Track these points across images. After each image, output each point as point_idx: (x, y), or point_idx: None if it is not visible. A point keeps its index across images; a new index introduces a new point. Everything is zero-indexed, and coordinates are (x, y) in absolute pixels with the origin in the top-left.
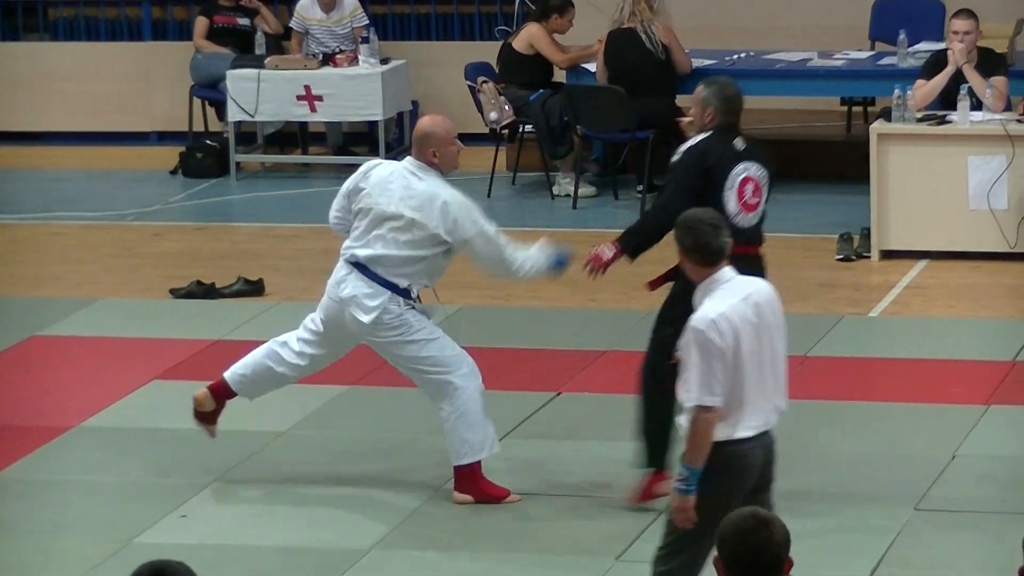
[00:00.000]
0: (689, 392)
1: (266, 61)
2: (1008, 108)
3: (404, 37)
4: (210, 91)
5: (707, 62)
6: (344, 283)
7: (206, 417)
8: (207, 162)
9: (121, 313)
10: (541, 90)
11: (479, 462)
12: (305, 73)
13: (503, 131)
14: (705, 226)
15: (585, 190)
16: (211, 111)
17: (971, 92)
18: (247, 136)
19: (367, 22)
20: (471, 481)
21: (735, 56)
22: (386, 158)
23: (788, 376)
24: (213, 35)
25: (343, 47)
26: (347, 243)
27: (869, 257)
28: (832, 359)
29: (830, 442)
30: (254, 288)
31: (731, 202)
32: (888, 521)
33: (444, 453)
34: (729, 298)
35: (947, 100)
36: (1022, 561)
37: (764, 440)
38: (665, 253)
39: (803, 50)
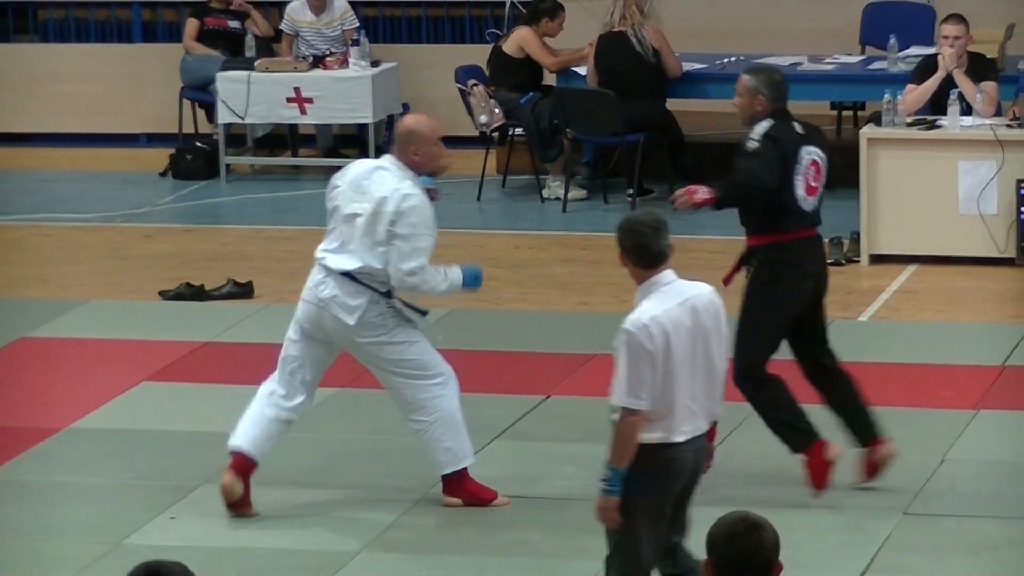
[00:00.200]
0: (617, 393)
1: (256, 63)
2: (998, 113)
3: (394, 40)
4: (200, 93)
5: (697, 66)
6: (323, 285)
7: (239, 504)
8: (197, 164)
9: (111, 315)
10: (531, 93)
11: (464, 468)
12: (295, 75)
13: (493, 134)
14: (645, 228)
15: (575, 193)
16: (201, 113)
17: (961, 97)
18: (237, 138)
19: (357, 24)
20: (458, 484)
21: (725, 60)
22: None
23: (726, 382)
24: (203, 37)
25: (333, 49)
26: (321, 248)
27: (859, 261)
28: None
29: None
30: (243, 290)
31: (800, 186)
32: (877, 525)
33: None
34: (666, 302)
35: (937, 105)
36: (1012, 566)
37: (696, 444)
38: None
39: (793, 54)
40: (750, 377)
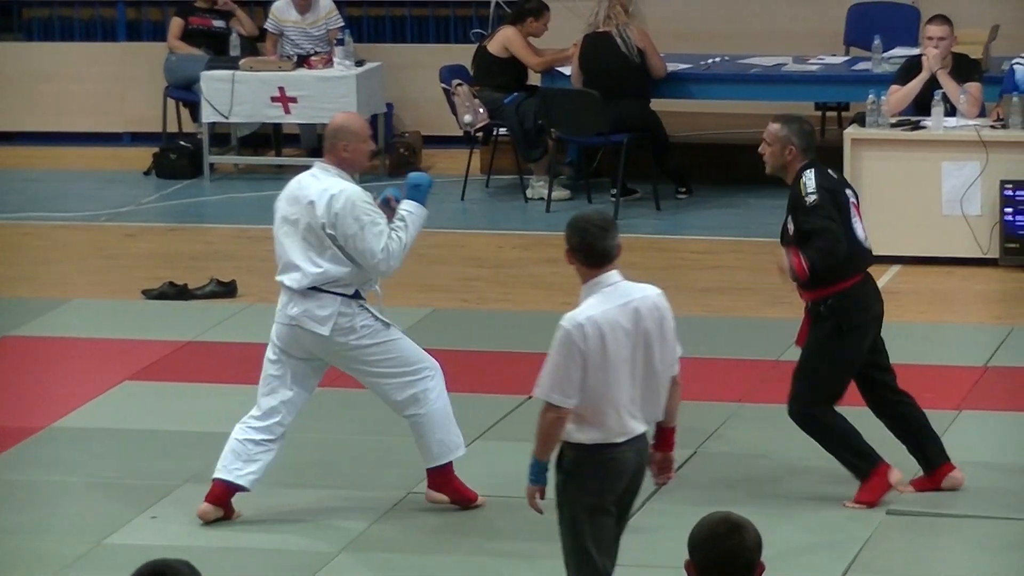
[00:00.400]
0: (541, 387)
1: (240, 62)
2: (982, 114)
3: (379, 39)
4: (184, 92)
5: (682, 66)
6: (290, 303)
7: (222, 517)
8: (181, 163)
9: (93, 314)
10: (516, 93)
11: (451, 462)
12: (279, 75)
13: (477, 134)
14: (593, 227)
15: (559, 193)
16: (185, 112)
17: (945, 98)
18: (221, 137)
19: (342, 24)
20: (445, 480)
21: (710, 60)
22: None
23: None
24: (188, 36)
25: (318, 49)
26: (277, 273)
27: None
28: None
29: (802, 446)
30: (227, 289)
31: (859, 228)
32: (859, 525)
33: (415, 455)
34: (606, 302)
35: (921, 106)
36: (991, 565)
37: (637, 445)
38: (703, 246)
39: (778, 55)
40: (815, 419)
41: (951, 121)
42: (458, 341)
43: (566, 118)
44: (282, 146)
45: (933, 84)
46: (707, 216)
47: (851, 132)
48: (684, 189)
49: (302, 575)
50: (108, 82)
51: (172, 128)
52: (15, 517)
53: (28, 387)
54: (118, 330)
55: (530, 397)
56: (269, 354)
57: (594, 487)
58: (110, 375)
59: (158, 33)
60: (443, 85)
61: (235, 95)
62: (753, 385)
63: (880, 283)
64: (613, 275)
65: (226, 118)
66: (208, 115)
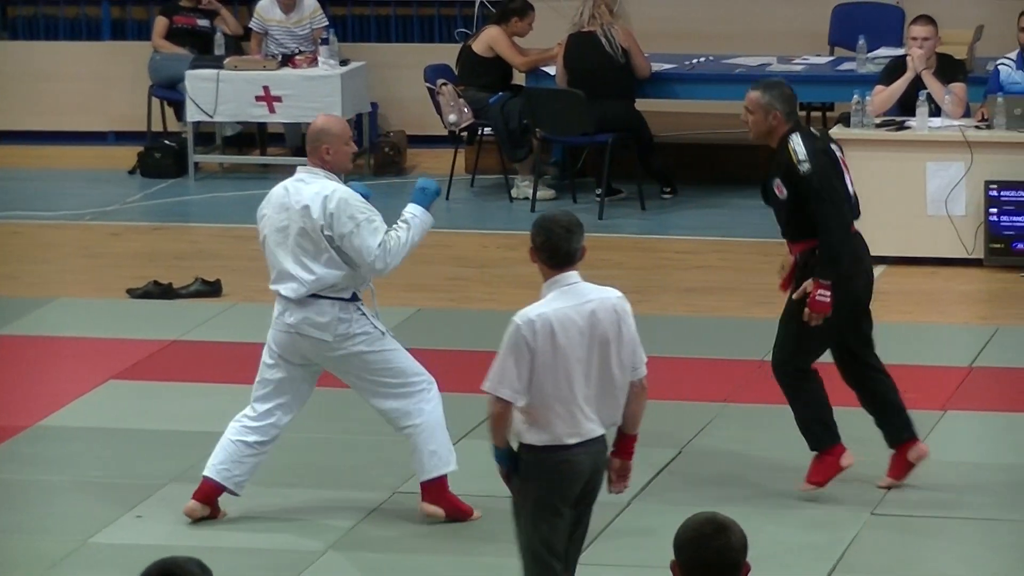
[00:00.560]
0: (489, 380)
1: (225, 62)
2: (967, 114)
3: (364, 39)
4: (169, 91)
5: (667, 66)
6: (287, 312)
7: (208, 516)
8: (165, 162)
9: (78, 313)
10: (500, 93)
11: (446, 475)
12: (264, 74)
13: (462, 133)
14: (558, 228)
15: (544, 193)
16: (170, 111)
17: (930, 98)
18: (206, 136)
19: (327, 23)
20: (440, 494)
21: (695, 60)
22: None
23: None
24: (172, 35)
25: (302, 48)
26: (270, 282)
27: None
28: None
29: (787, 446)
30: (212, 288)
31: (848, 183)
32: (845, 525)
33: (402, 454)
34: (562, 301)
35: (906, 106)
36: (976, 565)
37: (592, 448)
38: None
39: (762, 55)
40: (794, 369)
41: (936, 121)
42: (444, 341)
43: (551, 118)
44: (267, 145)
45: (918, 84)
46: (692, 216)
47: (836, 132)
48: (669, 189)
49: (288, 574)
50: (93, 81)
51: (157, 127)
52: (0, 516)
53: (12, 386)
54: (103, 329)
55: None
56: (266, 358)
57: (546, 490)
58: (95, 374)
59: (143, 32)
60: (428, 84)
61: (220, 94)
62: (738, 385)
63: None
64: (573, 275)
65: (211, 117)
66: (193, 114)
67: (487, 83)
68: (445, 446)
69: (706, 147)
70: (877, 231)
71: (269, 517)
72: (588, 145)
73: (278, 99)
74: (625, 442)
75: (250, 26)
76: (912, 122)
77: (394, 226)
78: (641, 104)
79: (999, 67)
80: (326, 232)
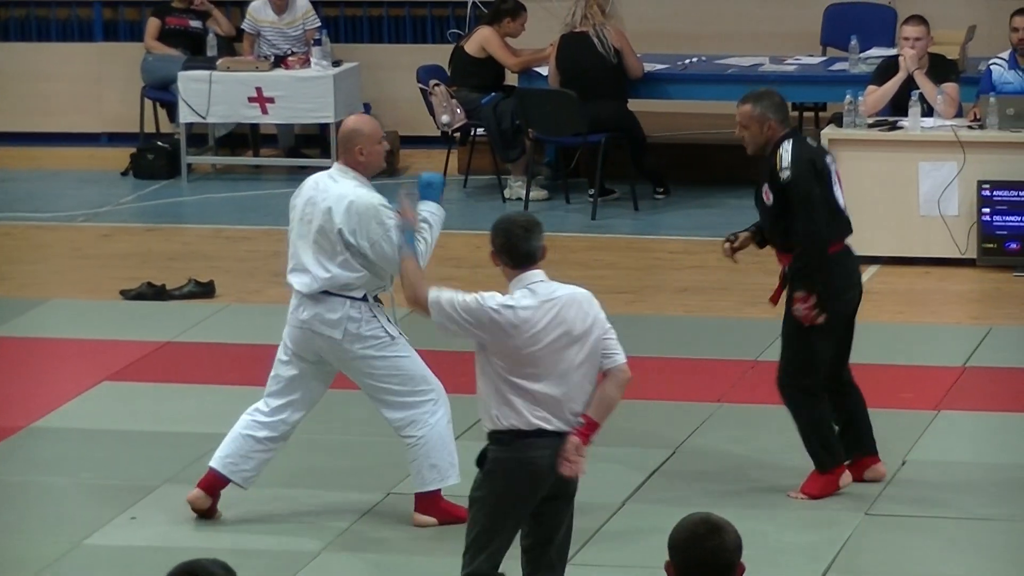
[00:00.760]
0: (441, 296)
1: (218, 63)
2: (959, 114)
3: (356, 40)
4: (161, 92)
5: (659, 66)
6: (301, 307)
7: (205, 514)
8: (158, 163)
9: (71, 314)
10: (493, 93)
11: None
12: (257, 75)
13: (455, 134)
14: (517, 228)
15: (537, 194)
16: (162, 112)
17: (922, 98)
18: (198, 138)
19: (319, 24)
20: (433, 503)
21: (687, 61)
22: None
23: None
24: (165, 37)
25: (295, 49)
26: (288, 271)
27: None
28: None
29: (780, 447)
30: (205, 290)
31: (840, 196)
32: (839, 526)
33: (397, 455)
34: (529, 299)
35: (898, 106)
36: (970, 565)
37: (555, 445)
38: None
39: (755, 55)
40: (801, 389)
41: (928, 121)
42: (435, 341)
43: (543, 118)
44: (259, 146)
45: (910, 84)
46: (685, 216)
47: (828, 133)
48: (662, 189)
49: (284, 575)
50: (85, 82)
51: (149, 128)
52: None
53: (6, 387)
54: (96, 330)
55: None
56: (280, 354)
57: (507, 494)
58: (88, 376)
59: (135, 33)
60: (420, 85)
61: (212, 95)
62: (732, 385)
63: None
64: (537, 274)
65: (203, 118)
66: (185, 115)
67: (479, 84)
68: (447, 460)
69: (699, 147)
70: (870, 231)
71: (264, 518)
72: (581, 145)
73: (271, 100)
74: (585, 424)
75: (242, 27)
76: (905, 122)
77: (416, 229)
78: (634, 104)
79: (991, 67)
80: (345, 237)
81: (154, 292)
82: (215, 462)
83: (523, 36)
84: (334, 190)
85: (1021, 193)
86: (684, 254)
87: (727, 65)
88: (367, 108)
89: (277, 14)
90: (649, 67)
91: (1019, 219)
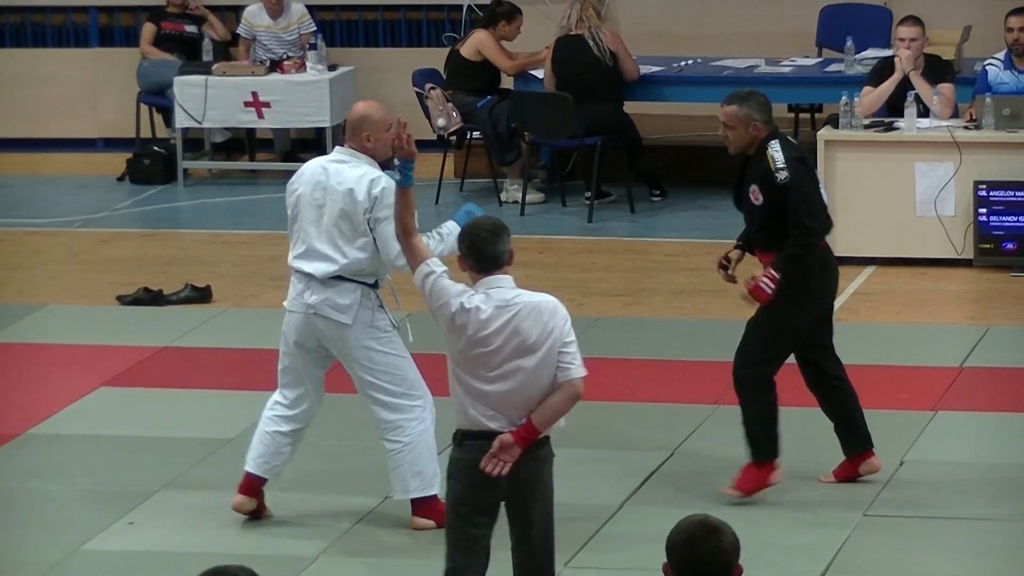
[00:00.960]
0: (429, 263)
1: (213, 67)
2: (955, 115)
3: (352, 43)
4: (157, 98)
5: (655, 69)
6: (308, 291)
7: (254, 515)
8: (154, 168)
9: (68, 320)
10: (489, 96)
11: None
12: (252, 79)
13: (451, 137)
14: (483, 232)
15: (533, 196)
16: (158, 117)
17: (918, 99)
18: (194, 142)
19: (315, 28)
20: (431, 507)
21: (683, 63)
22: None
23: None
24: (160, 42)
25: (291, 53)
26: (293, 256)
27: None
28: None
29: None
30: (202, 295)
31: (825, 194)
32: (837, 527)
33: None
34: (487, 304)
35: (894, 107)
36: (969, 566)
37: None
38: (676, 248)
39: (750, 57)
40: (755, 377)
41: (924, 122)
42: (430, 345)
43: (539, 121)
44: (256, 151)
45: (906, 85)
46: (681, 218)
47: (824, 134)
48: (658, 191)
49: None
50: (81, 88)
51: (145, 133)
52: None
53: (3, 393)
54: (93, 336)
55: None
56: (282, 347)
57: (461, 494)
58: (86, 381)
59: (130, 38)
60: (416, 89)
61: (208, 100)
62: (729, 387)
63: (854, 284)
64: (501, 279)
65: (199, 123)
66: (181, 120)
67: (475, 87)
68: (431, 468)
69: (695, 149)
70: (866, 232)
71: (262, 522)
72: (577, 148)
73: (267, 105)
74: (523, 427)
75: (238, 32)
76: (901, 123)
77: (428, 234)
78: (629, 107)
79: (987, 67)
80: (367, 215)
81: (151, 297)
82: (249, 465)
83: (519, 39)
84: (351, 172)
85: (1017, 193)
86: (680, 256)
87: (723, 67)
88: None
89: (272, 18)
90: (645, 69)
91: (1015, 219)
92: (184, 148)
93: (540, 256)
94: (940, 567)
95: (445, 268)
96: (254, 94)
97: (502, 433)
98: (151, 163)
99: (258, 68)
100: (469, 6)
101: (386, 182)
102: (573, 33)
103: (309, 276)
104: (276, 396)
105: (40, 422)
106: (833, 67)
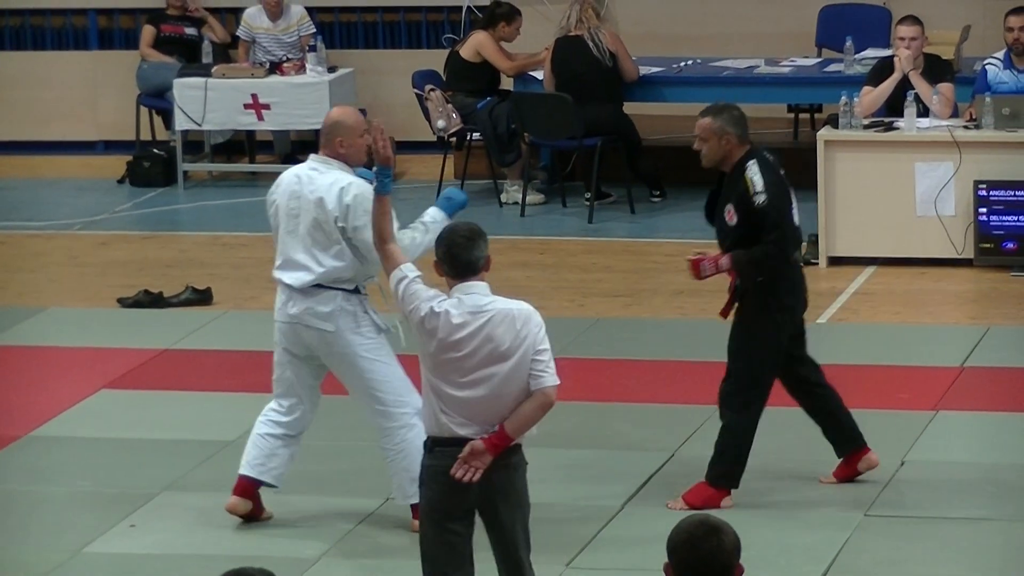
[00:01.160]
0: (405, 267)
1: (213, 70)
2: (955, 115)
3: (351, 45)
4: (157, 100)
5: (654, 69)
6: (290, 302)
7: (250, 516)
8: (154, 171)
9: (69, 322)
10: (488, 98)
11: None
12: (252, 82)
13: (451, 139)
14: (459, 238)
15: (533, 198)
16: (158, 120)
17: (918, 99)
18: (194, 145)
19: (314, 30)
20: None
21: (682, 63)
22: None
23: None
24: (160, 44)
25: (290, 55)
26: (276, 267)
27: (817, 264)
28: None
29: (779, 449)
30: (202, 297)
31: (797, 214)
32: (838, 527)
33: None
34: (458, 309)
35: (894, 107)
36: (969, 566)
37: (457, 451)
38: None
39: (750, 57)
40: (743, 401)
41: (924, 122)
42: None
43: (539, 122)
44: (255, 153)
45: (905, 85)
46: (681, 219)
47: (824, 134)
48: (658, 192)
49: None
50: (80, 90)
51: (145, 136)
52: None
53: (4, 396)
54: (94, 338)
55: None
56: (276, 356)
57: (433, 500)
58: (87, 384)
59: (130, 41)
60: (416, 90)
61: (208, 102)
62: None
63: (854, 284)
64: (476, 286)
65: (199, 125)
66: (181, 123)
67: (475, 88)
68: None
69: (694, 150)
70: (867, 232)
71: (263, 524)
72: (577, 149)
73: (266, 107)
74: (495, 434)
75: (237, 34)
76: (900, 123)
77: (410, 226)
78: (629, 107)
79: (986, 67)
80: (339, 224)
81: (151, 300)
82: (243, 468)
83: (518, 40)
84: (322, 180)
85: (1017, 193)
86: (680, 257)
87: (722, 67)
88: (363, 113)
89: (272, 20)
90: (644, 70)
91: (1016, 219)
92: (184, 150)
93: (540, 257)
94: (940, 567)
95: (419, 273)
96: (254, 96)
97: (473, 440)
98: (151, 165)
99: (258, 70)
100: (468, 7)
101: (357, 188)
102: (572, 34)
103: (289, 287)
104: (271, 404)
105: (41, 424)
106: (833, 67)
